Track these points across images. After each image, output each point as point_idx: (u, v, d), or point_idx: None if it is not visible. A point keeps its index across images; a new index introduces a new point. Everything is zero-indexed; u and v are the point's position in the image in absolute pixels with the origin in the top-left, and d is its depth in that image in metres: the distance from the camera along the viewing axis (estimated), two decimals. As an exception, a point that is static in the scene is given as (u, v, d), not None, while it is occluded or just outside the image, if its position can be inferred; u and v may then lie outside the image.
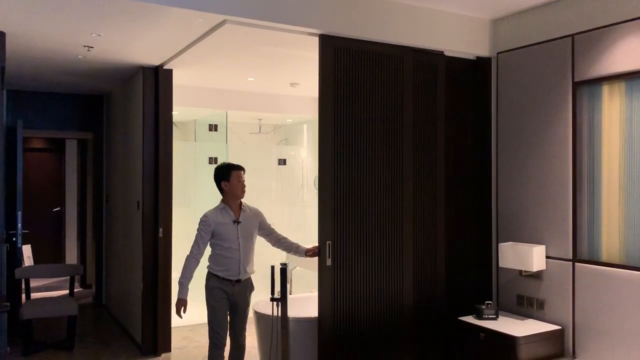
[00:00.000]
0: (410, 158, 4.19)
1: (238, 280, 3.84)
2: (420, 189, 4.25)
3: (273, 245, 4.10)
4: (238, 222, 3.85)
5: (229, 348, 3.97)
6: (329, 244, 3.78)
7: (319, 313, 3.79)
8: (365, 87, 3.99)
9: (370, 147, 4.01)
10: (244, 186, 3.92)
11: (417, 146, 4.24)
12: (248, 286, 3.95)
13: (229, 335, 3.93)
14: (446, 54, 4.44)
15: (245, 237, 3.86)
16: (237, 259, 3.82)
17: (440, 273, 4.36)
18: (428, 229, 4.30)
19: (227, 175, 3.90)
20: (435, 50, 4.35)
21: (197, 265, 3.88)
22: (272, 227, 4.13)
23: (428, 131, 4.31)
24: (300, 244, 4.05)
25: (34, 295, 5.79)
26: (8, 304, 3.37)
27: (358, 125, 3.96)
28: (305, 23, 3.75)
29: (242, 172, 3.95)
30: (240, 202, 3.95)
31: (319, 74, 3.81)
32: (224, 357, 3.88)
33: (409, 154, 4.18)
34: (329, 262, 3.77)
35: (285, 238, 4.07)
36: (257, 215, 4.00)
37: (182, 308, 3.83)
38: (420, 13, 4.21)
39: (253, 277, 4.11)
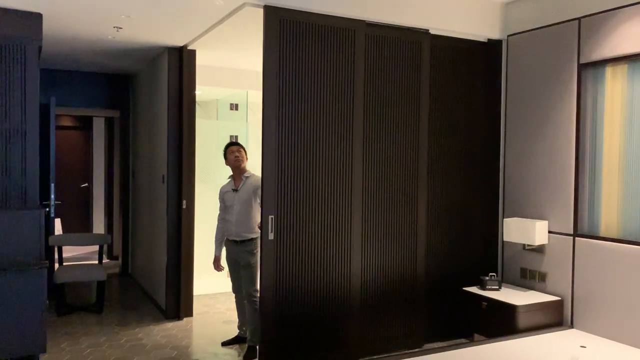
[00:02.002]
0: (361, 135, 4.16)
1: (236, 241, 4.46)
2: (384, 167, 4.28)
3: None
4: (236, 191, 4.52)
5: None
6: (272, 218, 3.83)
7: (261, 287, 3.87)
8: (314, 62, 3.96)
9: (317, 122, 3.99)
10: (235, 158, 4.56)
11: (383, 122, 4.27)
12: (248, 248, 4.43)
13: None
14: (457, 35, 4.62)
15: (241, 203, 4.47)
16: (232, 222, 4.48)
17: (420, 258, 4.45)
18: (399, 208, 4.35)
19: (225, 155, 4.66)
20: (418, 29, 4.41)
21: (221, 227, 4.67)
22: None
23: (407, 109, 4.36)
24: None
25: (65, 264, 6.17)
26: (47, 261, 3.70)
27: (305, 101, 3.94)
28: None
29: (235, 146, 4.64)
30: (244, 173, 4.55)
31: (263, 47, 3.79)
32: (239, 299, 4.65)
33: (359, 130, 4.15)
34: (271, 236, 3.82)
35: None
36: (254, 183, 4.47)
37: (215, 264, 4.70)
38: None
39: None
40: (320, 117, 4.03)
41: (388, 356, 3.46)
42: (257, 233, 4.48)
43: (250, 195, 4.47)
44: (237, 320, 4.80)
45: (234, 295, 4.74)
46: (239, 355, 4.46)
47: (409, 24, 4.35)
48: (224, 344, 4.67)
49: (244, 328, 4.67)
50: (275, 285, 3.88)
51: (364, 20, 4.16)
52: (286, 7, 3.85)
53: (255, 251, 4.42)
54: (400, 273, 4.39)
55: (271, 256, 3.87)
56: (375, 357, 3.39)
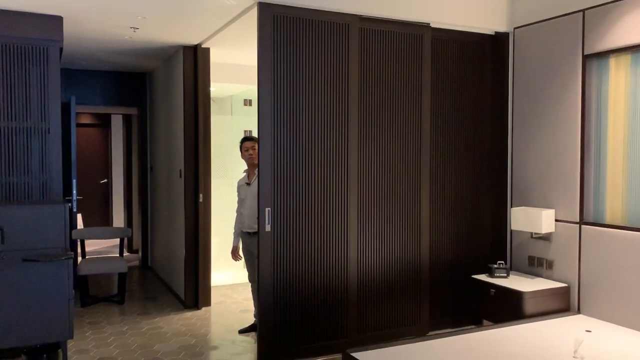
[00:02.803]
0: (356, 127, 4.23)
1: (249, 233, 4.70)
2: (382, 158, 4.36)
3: None
4: (249, 184, 4.75)
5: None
6: (269, 210, 3.93)
7: (259, 278, 3.97)
8: (308, 56, 4.04)
9: (313, 115, 4.07)
10: (249, 156, 4.78)
11: (382, 114, 4.34)
12: None
13: None
14: (464, 29, 4.71)
15: (253, 197, 4.58)
16: (245, 215, 4.71)
17: (425, 246, 4.55)
18: (400, 199, 4.44)
19: (240, 150, 4.88)
20: (417, 22, 4.47)
21: (238, 219, 4.91)
22: None
23: (407, 101, 4.44)
24: None
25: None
26: (72, 253, 3.89)
27: (300, 95, 4.03)
28: None
29: (249, 142, 4.79)
30: (257, 168, 4.65)
31: (257, 43, 3.88)
32: (256, 288, 4.61)
33: (354, 122, 4.23)
34: (268, 227, 3.92)
35: None
36: None
37: (233, 254, 4.95)
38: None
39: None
40: (316, 110, 4.11)
41: (392, 343, 3.58)
42: None
43: None
44: (253, 309, 4.97)
45: (250, 284, 4.92)
46: (255, 342, 4.63)
47: (407, 18, 4.42)
48: (241, 331, 4.87)
49: (260, 316, 4.85)
50: (273, 276, 3.98)
51: (358, 15, 4.22)
52: (279, 3, 3.93)
53: None
54: (403, 262, 4.49)
55: (268, 247, 3.96)
56: (380, 344, 3.51)
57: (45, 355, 3.55)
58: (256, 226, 4.54)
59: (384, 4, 4.31)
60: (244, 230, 4.77)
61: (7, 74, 4.31)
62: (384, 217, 4.41)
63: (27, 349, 3.56)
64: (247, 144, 4.82)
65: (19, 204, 4.09)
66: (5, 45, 4.29)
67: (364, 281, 4.34)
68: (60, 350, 3.62)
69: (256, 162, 4.70)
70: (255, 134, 6.43)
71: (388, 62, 4.39)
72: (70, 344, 4.43)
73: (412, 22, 4.46)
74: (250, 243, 4.72)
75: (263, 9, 3.90)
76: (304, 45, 4.05)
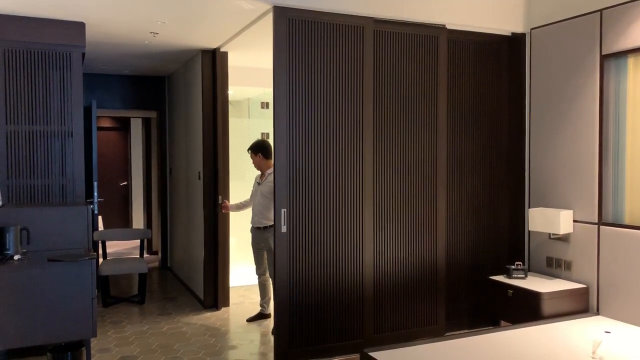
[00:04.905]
0: (371, 128, 4.26)
1: (259, 227, 5.11)
2: (397, 160, 4.37)
3: None
4: (259, 183, 5.20)
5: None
6: (284, 211, 3.98)
7: (275, 278, 4.02)
8: (323, 59, 4.08)
9: (328, 118, 4.11)
10: (254, 164, 5.26)
11: (397, 116, 4.36)
12: (271, 233, 4.78)
13: None
14: (481, 30, 4.72)
15: (260, 195, 5.12)
16: (254, 211, 5.20)
17: (441, 247, 4.56)
18: (415, 200, 4.44)
19: None
20: (433, 24, 4.48)
21: (244, 203, 5.48)
22: None
23: (423, 102, 4.46)
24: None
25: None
26: (95, 253, 3.98)
27: (315, 97, 4.06)
28: None
29: (249, 152, 5.26)
30: (266, 170, 5.13)
31: (273, 46, 3.93)
32: (262, 280, 5.28)
33: (369, 124, 4.25)
34: (284, 228, 3.97)
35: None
36: (270, 182, 4.87)
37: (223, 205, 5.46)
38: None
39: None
40: (330, 112, 4.14)
41: (410, 343, 3.60)
42: None
43: (270, 189, 4.88)
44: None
45: (257, 277, 5.33)
46: (271, 334, 4.70)
47: (422, 20, 4.43)
48: (249, 320, 5.25)
49: (265, 305, 5.31)
50: (289, 276, 4.02)
51: (372, 17, 4.24)
52: (294, 6, 3.98)
53: None
54: (419, 262, 4.50)
55: (284, 248, 4.00)
56: (398, 344, 3.53)
57: (69, 353, 3.64)
58: (264, 221, 5.01)
59: (398, 6, 4.33)
60: (254, 226, 5.13)
61: (31, 79, 4.42)
62: (399, 218, 4.42)
63: (52, 347, 3.65)
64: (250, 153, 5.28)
65: (43, 205, 4.19)
66: (29, 51, 4.40)
67: (380, 282, 4.36)
68: (83, 349, 3.70)
69: (259, 169, 5.18)
70: (271, 137, 6.53)
71: (403, 64, 4.41)
72: (93, 342, 4.52)
73: (427, 23, 4.48)
74: (261, 238, 5.09)
75: (278, 12, 3.95)
76: (318, 48, 4.09)
